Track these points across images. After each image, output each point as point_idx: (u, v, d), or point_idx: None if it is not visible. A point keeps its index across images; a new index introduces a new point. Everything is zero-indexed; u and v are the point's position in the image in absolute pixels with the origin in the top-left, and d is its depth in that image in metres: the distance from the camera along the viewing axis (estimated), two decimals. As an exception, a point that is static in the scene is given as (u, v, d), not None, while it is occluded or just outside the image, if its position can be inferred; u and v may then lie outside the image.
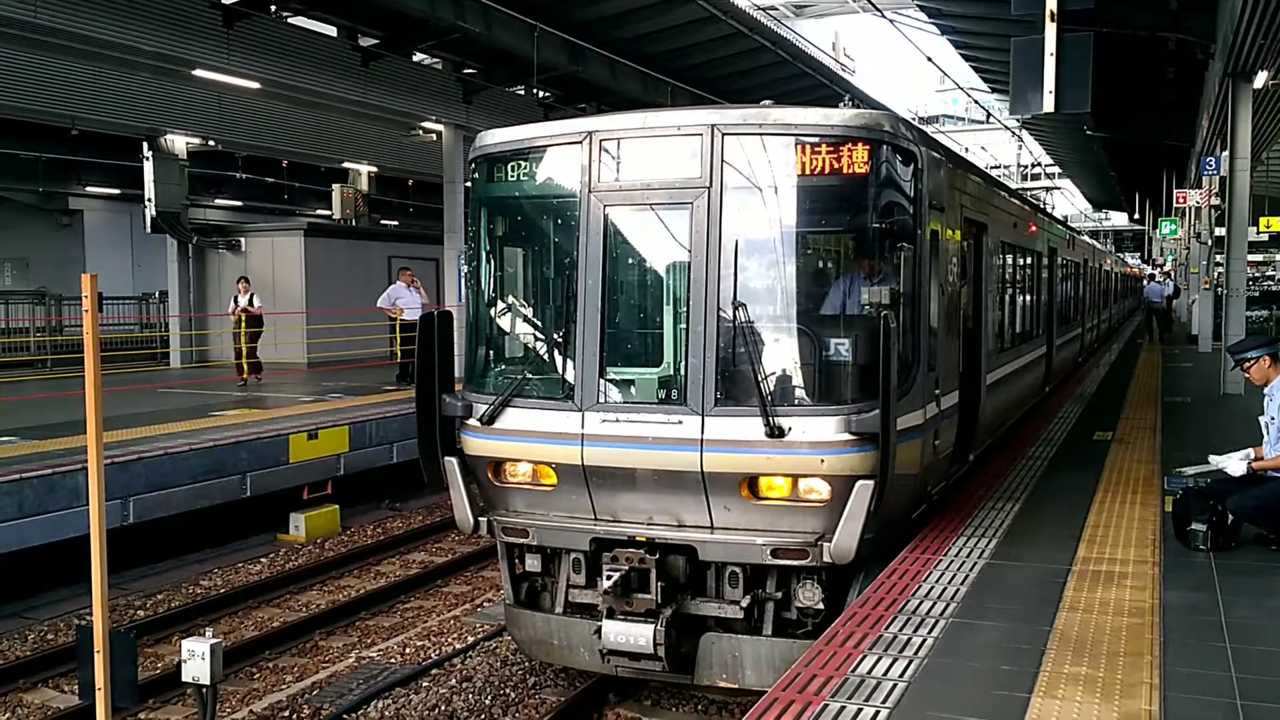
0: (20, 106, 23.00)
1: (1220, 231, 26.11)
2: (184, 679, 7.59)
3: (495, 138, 8.01)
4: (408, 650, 9.81)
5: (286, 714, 8.44)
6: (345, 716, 8.26)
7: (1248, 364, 7.92)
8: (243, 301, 19.79)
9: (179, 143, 23.93)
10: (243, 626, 10.63)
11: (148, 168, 23.26)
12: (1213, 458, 7.91)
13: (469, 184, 8.66)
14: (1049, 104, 9.54)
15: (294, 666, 9.55)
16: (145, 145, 23.50)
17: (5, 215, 35.10)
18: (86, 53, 17.91)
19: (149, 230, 24.08)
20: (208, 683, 7.51)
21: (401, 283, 19.26)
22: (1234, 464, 7.64)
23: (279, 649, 9.91)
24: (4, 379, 17.39)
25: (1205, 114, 22.28)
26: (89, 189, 32.68)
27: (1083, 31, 9.68)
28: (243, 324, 19.65)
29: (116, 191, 32.19)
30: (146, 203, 23.37)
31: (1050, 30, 9.36)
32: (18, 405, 15.60)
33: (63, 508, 10.80)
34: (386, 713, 8.30)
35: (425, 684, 8.87)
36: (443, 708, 8.34)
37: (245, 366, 19.62)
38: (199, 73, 18.17)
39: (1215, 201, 24.53)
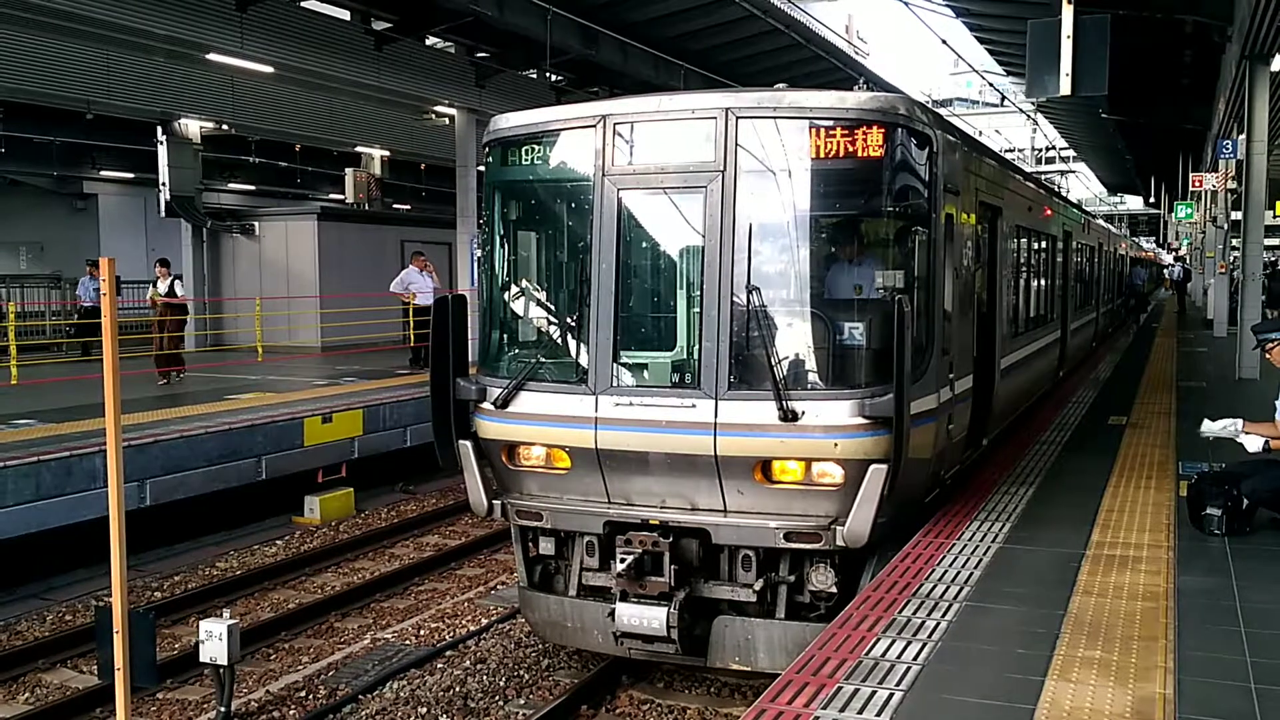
0: (35, 90, 23.08)
1: (1236, 215, 25.92)
2: (202, 659, 7.71)
3: (509, 121, 8.00)
4: (422, 632, 9.87)
5: (303, 694, 8.51)
6: (361, 697, 8.32)
7: (1270, 345, 7.90)
8: (162, 288, 17.23)
9: (193, 127, 23.98)
10: (259, 608, 10.71)
11: (162, 152, 23.31)
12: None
13: (482, 168, 8.67)
14: (1065, 86, 9.50)
15: (310, 647, 9.62)
16: (159, 129, 23.55)
17: (20, 199, 35.20)
18: (101, 37, 17.98)
19: (163, 214, 24.15)
20: (225, 663, 7.62)
21: (414, 267, 19.27)
22: (1251, 440, 7.61)
23: (295, 630, 9.98)
24: (21, 362, 17.46)
25: (1222, 97, 22.11)
26: (103, 173, 32.77)
27: (1100, 14, 9.62)
28: (165, 313, 17.26)
29: (131, 175, 32.27)
30: (161, 187, 23.43)
31: (1067, 12, 9.33)
32: (34, 388, 15.69)
33: (80, 490, 10.89)
34: (402, 694, 8.36)
35: (440, 665, 8.93)
36: (457, 689, 8.40)
37: (165, 359, 17.22)
38: (213, 57, 18.20)
39: (1231, 185, 24.36)
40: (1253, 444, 7.58)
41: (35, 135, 28.84)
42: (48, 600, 10.90)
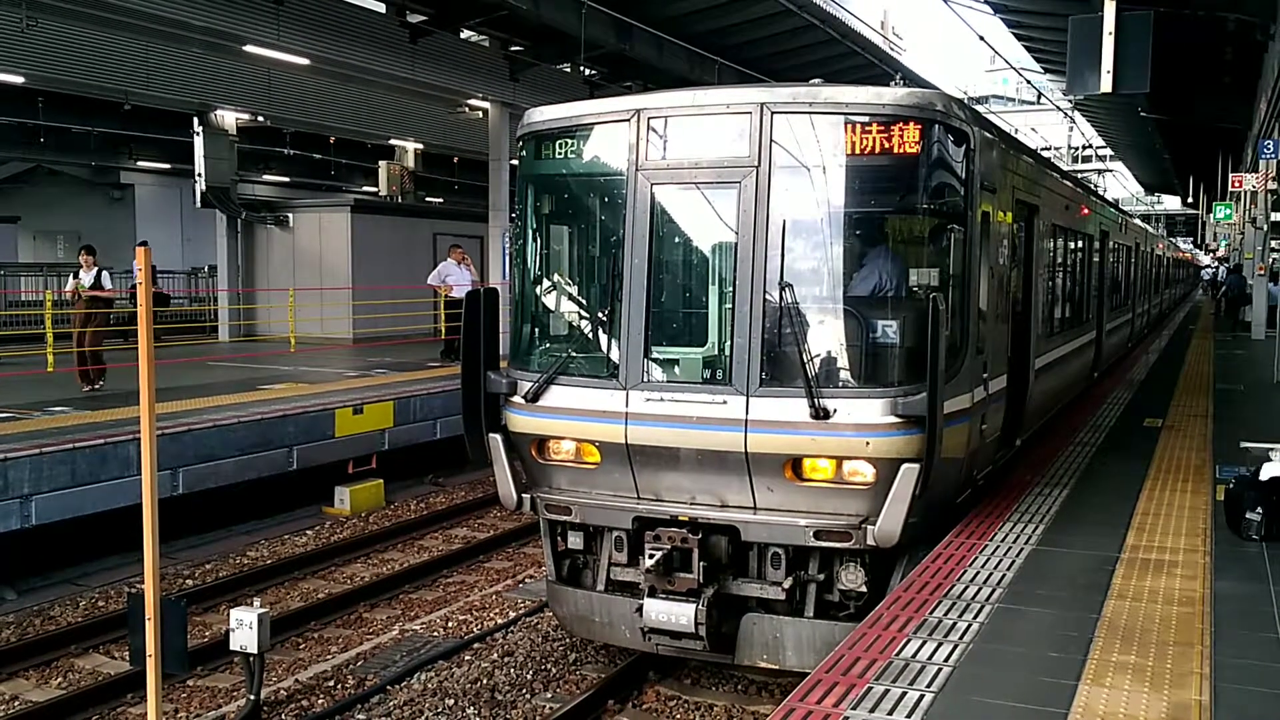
0: (74, 81, 23.32)
1: (1277, 217, 25.55)
2: (232, 647, 7.75)
3: (543, 115, 7.98)
4: (450, 624, 9.90)
5: (331, 684, 8.55)
6: (389, 688, 8.34)
7: None
8: (86, 279, 15.00)
9: (229, 118, 24.16)
10: (289, 597, 10.78)
11: (198, 143, 23.51)
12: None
13: (516, 161, 8.67)
14: (1106, 84, 9.39)
15: (339, 637, 9.67)
16: (196, 120, 23.75)
17: (58, 189, 35.68)
18: (139, 28, 18.11)
19: (199, 205, 24.37)
20: (255, 651, 7.65)
21: (452, 260, 19.29)
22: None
23: (324, 620, 10.04)
24: (57, 350, 17.65)
25: (1263, 96, 21.77)
26: (140, 163, 33.07)
27: (1143, 10, 9.49)
28: (89, 307, 14.97)
29: (167, 166, 32.57)
30: (197, 178, 23.63)
31: (1109, 8, 9.21)
32: (70, 376, 15.82)
33: (114, 477, 10.99)
34: (429, 685, 8.38)
35: (467, 657, 8.95)
36: (484, 681, 8.41)
37: (87, 359, 15.00)
38: (249, 48, 18.32)
39: (1272, 186, 24.02)
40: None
41: (74, 125, 29.13)
42: (81, 586, 11.02)
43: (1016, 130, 31.18)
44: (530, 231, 8.28)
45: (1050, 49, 24.95)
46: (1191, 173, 48.50)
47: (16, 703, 8.28)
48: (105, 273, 15.21)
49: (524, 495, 7.90)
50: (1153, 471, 9.79)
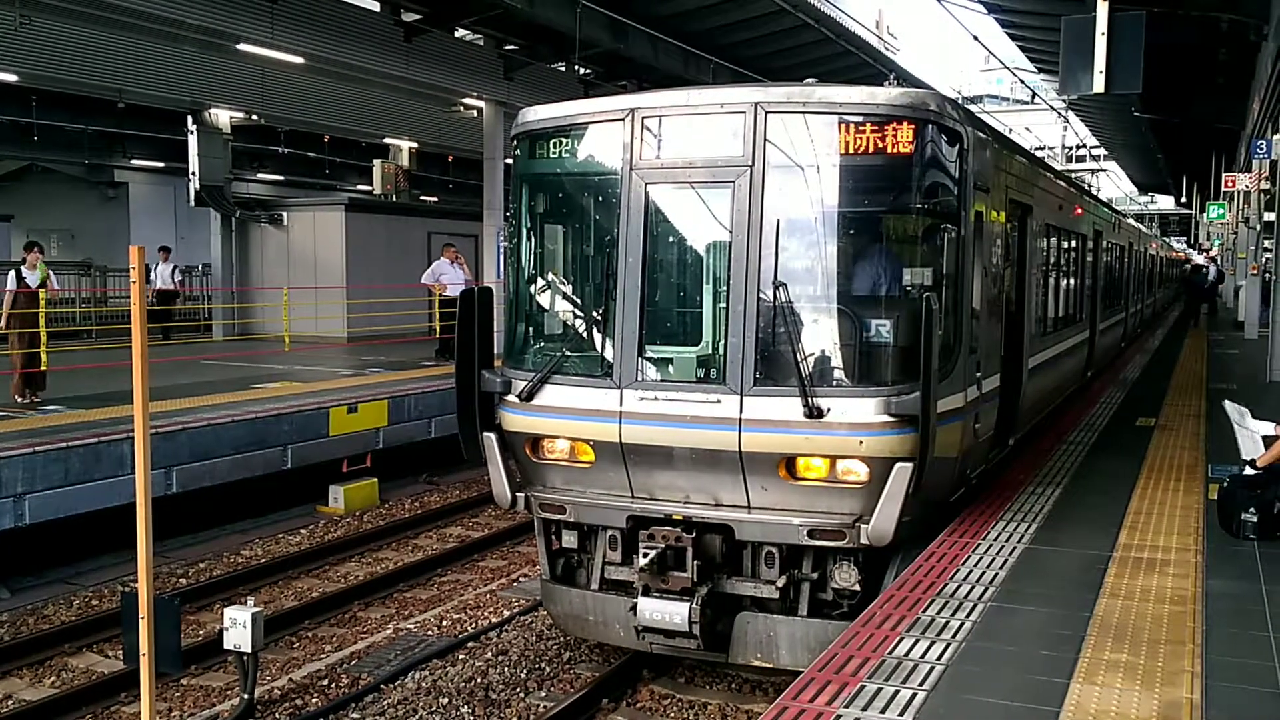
0: (68, 79, 23.27)
1: (1270, 216, 25.61)
2: (226, 646, 7.75)
3: (538, 114, 7.99)
4: (444, 623, 9.90)
5: (325, 683, 8.55)
6: (383, 687, 8.34)
7: None
8: (32, 279, 13.74)
9: (223, 117, 24.13)
10: (283, 596, 10.77)
11: (192, 141, 23.47)
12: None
13: (510, 160, 8.68)
14: (1099, 84, 9.41)
15: (333, 636, 9.67)
16: (190, 119, 23.71)
17: (52, 187, 35.55)
18: (133, 26, 18.10)
19: (193, 203, 24.33)
20: (249, 650, 7.67)
21: (446, 259, 19.29)
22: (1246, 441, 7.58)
23: (318, 619, 10.03)
24: (51, 349, 17.59)
25: (1257, 96, 21.83)
26: (134, 162, 32.99)
27: (1135, 10, 9.52)
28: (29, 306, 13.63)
29: (161, 165, 32.48)
30: (191, 176, 23.59)
31: (1102, 9, 9.23)
32: (64, 375, 15.80)
33: (108, 476, 10.98)
34: (424, 684, 8.38)
35: (462, 656, 8.95)
36: (479, 680, 8.41)
37: (26, 368, 13.50)
38: (243, 47, 18.32)
39: (1265, 186, 24.07)
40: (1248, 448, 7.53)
41: (67, 123, 29.06)
42: (74, 585, 11.00)
43: (1011, 130, 31.23)
44: (525, 230, 8.29)
45: (1044, 49, 24.97)
46: (1185, 173, 48.63)
47: (10, 702, 8.27)
48: (51, 272, 14.35)
49: (518, 494, 7.90)
50: (1145, 470, 9.82)
